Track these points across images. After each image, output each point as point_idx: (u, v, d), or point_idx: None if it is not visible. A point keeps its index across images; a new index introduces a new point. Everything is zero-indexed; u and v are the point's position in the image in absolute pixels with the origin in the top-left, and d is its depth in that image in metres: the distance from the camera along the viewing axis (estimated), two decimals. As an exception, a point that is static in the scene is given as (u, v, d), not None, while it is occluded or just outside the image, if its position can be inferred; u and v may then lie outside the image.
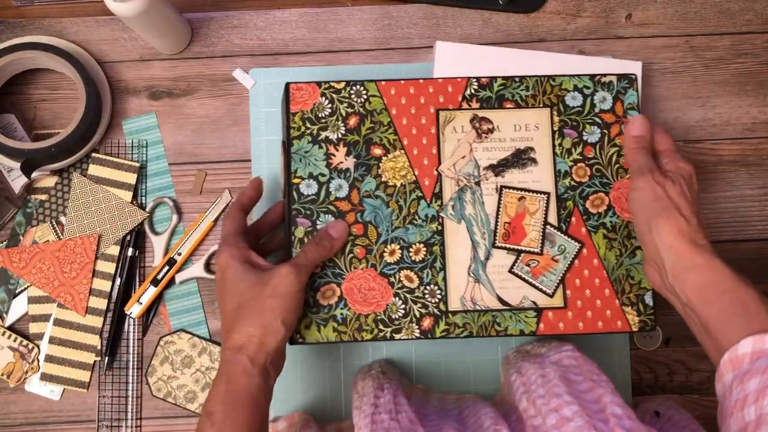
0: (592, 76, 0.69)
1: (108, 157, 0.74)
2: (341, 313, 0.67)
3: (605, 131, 0.69)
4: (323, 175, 0.67)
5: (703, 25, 0.77)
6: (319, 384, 0.73)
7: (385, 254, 0.68)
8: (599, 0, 0.76)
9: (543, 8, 0.76)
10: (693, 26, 0.77)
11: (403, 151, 0.68)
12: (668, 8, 0.77)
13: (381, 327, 0.66)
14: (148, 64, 0.75)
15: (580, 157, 0.69)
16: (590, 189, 0.69)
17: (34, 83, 0.75)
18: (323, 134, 0.68)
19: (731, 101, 0.76)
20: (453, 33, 0.76)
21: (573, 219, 0.68)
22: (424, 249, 0.68)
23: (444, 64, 0.73)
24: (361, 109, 0.68)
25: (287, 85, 0.67)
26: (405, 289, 0.67)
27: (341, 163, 0.68)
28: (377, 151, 0.68)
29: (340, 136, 0.68)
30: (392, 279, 0.67)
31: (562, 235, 0.68)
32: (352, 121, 0.68)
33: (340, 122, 0.68)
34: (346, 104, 0.68)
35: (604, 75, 0.69)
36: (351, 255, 0.67)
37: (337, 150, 0.68)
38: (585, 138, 0.69)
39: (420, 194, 0.68)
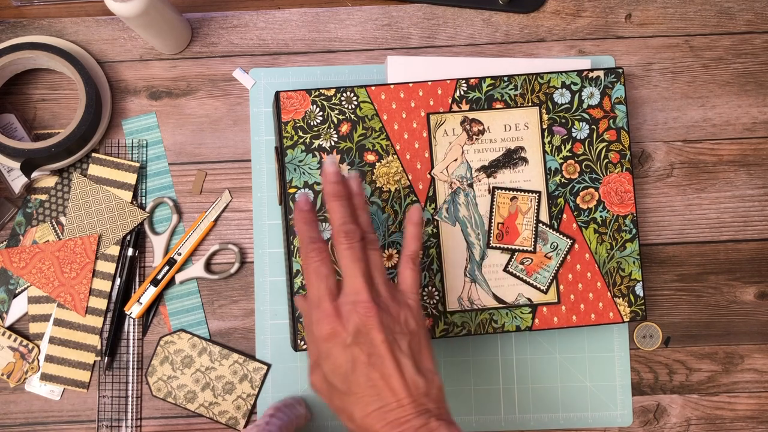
0: (579, 72, 0.70)
1: (108, 157, 0.74)
2: None
3: (594, 127, 0.69)
4: (318, 183, 0.68)
5: (703, 25, 0.77)
6: (319, 384, 0.73)
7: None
8: (599, 0, 0.76)
9: (543, 8, 0.76)
10: (693, 26, 0.77)
11: (396, 156, 0.68)
12: (668, 8, 0.77)
13: None
14: (148, 64, 0.75)
15: (570, 154, 0.69)
16: (580, 185, 0.69)
17: (34, 83, 0.75)
18: (316, 142, 0.68)
19: (731, 101, 0.76)
20: (453, 33, 0.76)
21: (564, 216, 0.69)
22: (421, 252, 0.68)
23: (397, 78, 0.71)
24: (352, 116, 0.68)
25: (277, 93, 0.68)
26: None
27: None
28: (370, 157, 0.68)
29: (333, 143, 0.68)
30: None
31: (554, 232, 0.69)
32: (344, 128, 0.68)
33: (332, 130, 0.68)
34: (337, 111, 0.68)
35: (591, 70, 0.70)
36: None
37: None
38: (574, 134, 0.69)
39: (414, 198, 0.68)
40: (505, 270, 0.69)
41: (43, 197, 0.74)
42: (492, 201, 0.69)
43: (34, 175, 0.71)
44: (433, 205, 0.69)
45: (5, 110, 0.74)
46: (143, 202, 0.74)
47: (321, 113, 0.68)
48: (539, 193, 0.69)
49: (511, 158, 0.69)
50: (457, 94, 0.69)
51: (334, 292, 0.57)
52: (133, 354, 0.73)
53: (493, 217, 0.69)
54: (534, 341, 0.74)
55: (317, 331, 0.56)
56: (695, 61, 0.76)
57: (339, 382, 0.56)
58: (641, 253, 0.74)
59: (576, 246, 0.69)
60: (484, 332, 0.68)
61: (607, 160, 0.69)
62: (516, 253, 0.69)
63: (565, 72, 0.69)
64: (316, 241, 0.58)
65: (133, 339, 0.73)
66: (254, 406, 0.73)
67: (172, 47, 0.74)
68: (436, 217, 0.69)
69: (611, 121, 0.70)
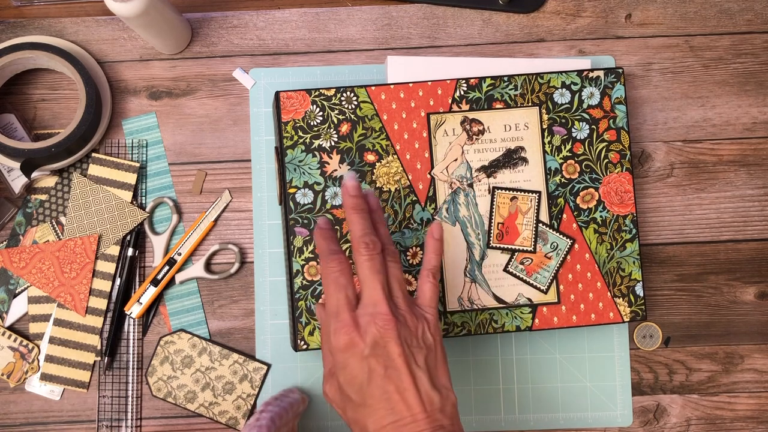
0: (579, 72, 0.70)
1: (108, 157, 0.74)
2: None
3: (593, 127, 0.69)
4: (318, 183, 0.68)
5: (703, 25, 0.77)
6: (319, 384, 0.73)
7: None
8: (599, 0, 0.76)
9: (543, 8, 0.76)
10: (693, 26, 0.77)
11: (396, 156, 0.68)
12: (668, 8, 0.77)
13: None
14: (148, 64, 0.75)
15: (570, 154, 0.69)
16: (580, 185, 0.69)
17: (34, 83, 0.75)
18: (316, 142, 0.68)
19: (731, 101, 0.76)
20: (453, 33, 0.76)
21: (564, 216, 0.69)
22: (421, 252, 0.68)
23: (397, 78, 0.71)
24: (352, 116, 0.68)
25: (277, 93, 0.68)
26: None
27: (335, 170, 0.68)
28: (370, 157, 0.68)
29: (333, 143, 0.68)
30: None
31: (554, 232, 0.69)
32: (344, 128, 0.68)
33: (332, 130, 0.68)
34: (337, 111, 0.68)
35: (591, 70, 0.70)
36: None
37: (331, 158, 0.68)
38: (574, 134, 0.69)
39: (414, 198, 0.68)
40: (505, 270, 0.69)
41: (43, 197, 0.74)
42: (492, 201, 0.69)
43: (34, 175, 0.71)
44: (433, 205, 0.69)
45: (5, 110, 0.74)
46: (143, 202, 0.74)
47: (321, 113, 0.68)
48: (539, 193, 0.69)
49: (511, 158, 0.69)
50: (457, 94, 0.69)
51: (352, 302, 0.57)
52: (133, 354, 0.73)
53: (493, 217, 0.69)
54: (534, 341, 0.74)
55: (335, 341, 0.56)
56: (695, 61, 0.76)
57: (354, 393, 0.56)
58: (641, 253, 0.74)
59: (576, 246, 0.69)
60: (484, 332, 0.69)
61: (607, 160, 0.69)
62: (516, 253, 0.69)
63: (565, 72, 0.69)
64: (337, 253, 0.58)
65: (133, 339, 0.73)
66: (254, 406, 0.73)
67: (172, 47, 0.74)
68: (436, 217, 0.69)
69: (611, 121, 0.70)
